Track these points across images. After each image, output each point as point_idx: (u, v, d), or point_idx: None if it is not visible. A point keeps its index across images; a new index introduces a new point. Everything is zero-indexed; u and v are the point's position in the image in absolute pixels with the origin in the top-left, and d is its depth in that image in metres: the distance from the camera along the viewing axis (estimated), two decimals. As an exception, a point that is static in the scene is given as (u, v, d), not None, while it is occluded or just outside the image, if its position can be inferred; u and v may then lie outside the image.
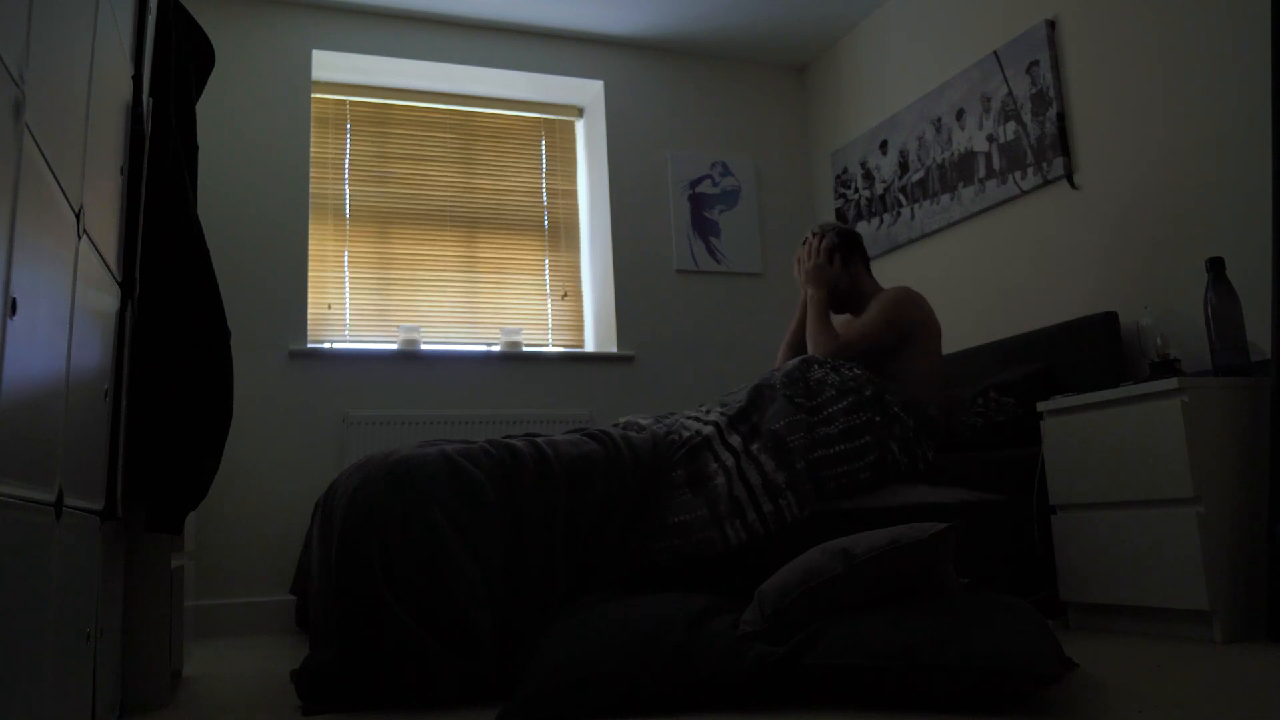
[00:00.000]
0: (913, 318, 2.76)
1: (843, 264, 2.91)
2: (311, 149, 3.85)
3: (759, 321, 4.26)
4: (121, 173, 1.68)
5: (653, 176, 4.25)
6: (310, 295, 3.76)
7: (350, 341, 3.85)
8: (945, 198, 3.63)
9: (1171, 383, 2.19)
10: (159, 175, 1.91)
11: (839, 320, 3.07)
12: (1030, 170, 3.22)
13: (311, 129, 3.86)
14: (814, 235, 2.96)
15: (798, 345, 2.99)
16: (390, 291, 3.96)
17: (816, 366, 2.55)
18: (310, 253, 3.81)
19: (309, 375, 3.58)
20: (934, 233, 3.70)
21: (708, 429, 2.37)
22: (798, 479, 2.26)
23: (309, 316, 3.70)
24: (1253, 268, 2.51)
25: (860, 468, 2.40)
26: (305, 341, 3.61)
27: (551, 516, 2.04)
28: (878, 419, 2.48)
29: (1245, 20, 2.55)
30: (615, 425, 2.51)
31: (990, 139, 3.40)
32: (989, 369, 3.25)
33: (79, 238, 1.28)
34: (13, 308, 0.91)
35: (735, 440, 2.32)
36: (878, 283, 3.01)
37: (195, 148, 2.08)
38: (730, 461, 2.27)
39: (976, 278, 3.50)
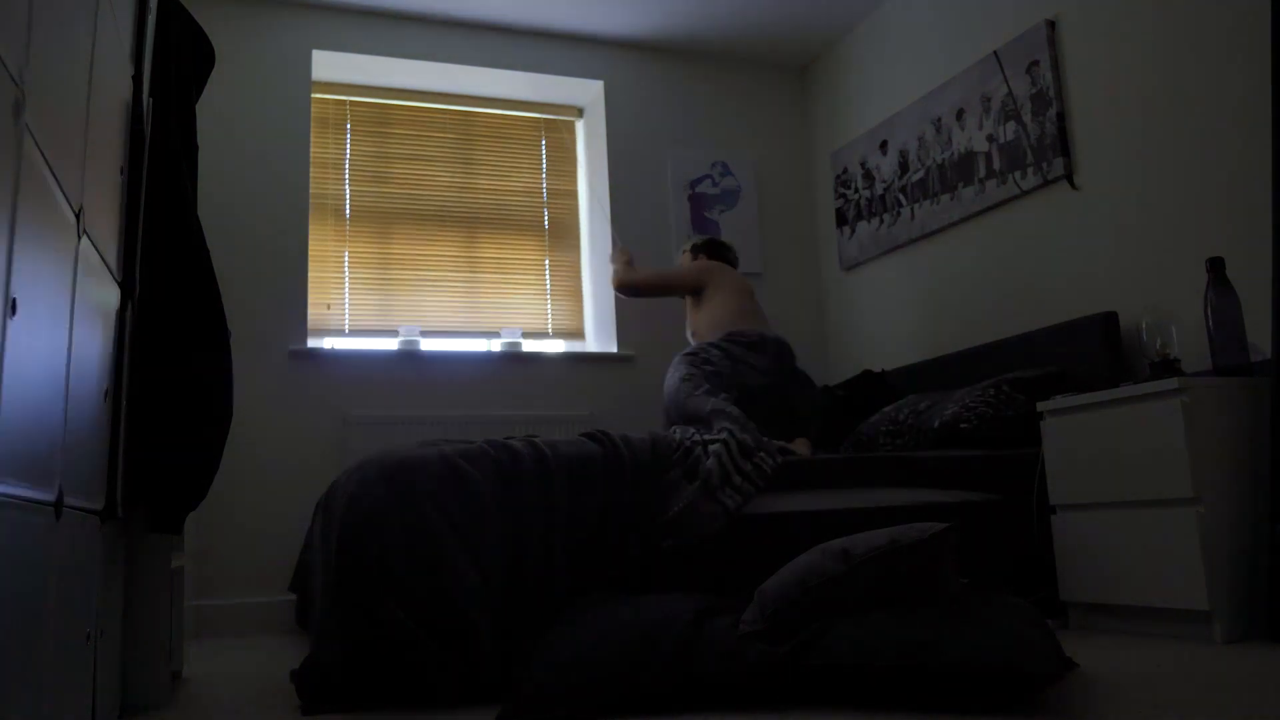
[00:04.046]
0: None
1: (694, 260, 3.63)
2: (311, 149, 3.85)
3: (759, 321, 4.26)
4: (121, 173, 1.68)
5: (653, 176, 4.25)
6: (310, 295, 3.76)
7: (350, 340, 3.85)
8: (945, 198, 3.63)
9: (1171, 383, 2.19)
10: (159, 175, 1.91)
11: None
12: (1030, 170, 3.22)
13: (311, 129, 3.86)
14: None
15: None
16: (390, 291, 3.96)
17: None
18: (310, 253, 3.80)
19: (309, 375, 3.58)
20: (934, 233, 3.70)
21: (693, 434, 2.50)
22: (758, 436, 2.53)
23: (309, 316, 3.70)
24: (1253, 268, 2.51)
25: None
26: (305, 341, 3.61)
27: (551, 517, 2.04)
28: (695, 356, 3.13)
29: (1245, 20, 2.55)
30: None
31: (990, 139, 3.40)
32: (989, 369, 3.25)
33: (79, 238, 1.28)
34: (13, 308, 0.91)
35: (709, 436, 2.48)
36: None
37: (195, 148, 2.08)
38: (715, 447, 2.39)
39: (976, 278, 3.50)
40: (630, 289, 3.57)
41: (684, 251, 3.73)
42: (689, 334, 3.51)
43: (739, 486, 2.28)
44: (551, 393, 3.90)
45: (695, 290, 3.47)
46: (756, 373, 3.06)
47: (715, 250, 3.67)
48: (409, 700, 1.83)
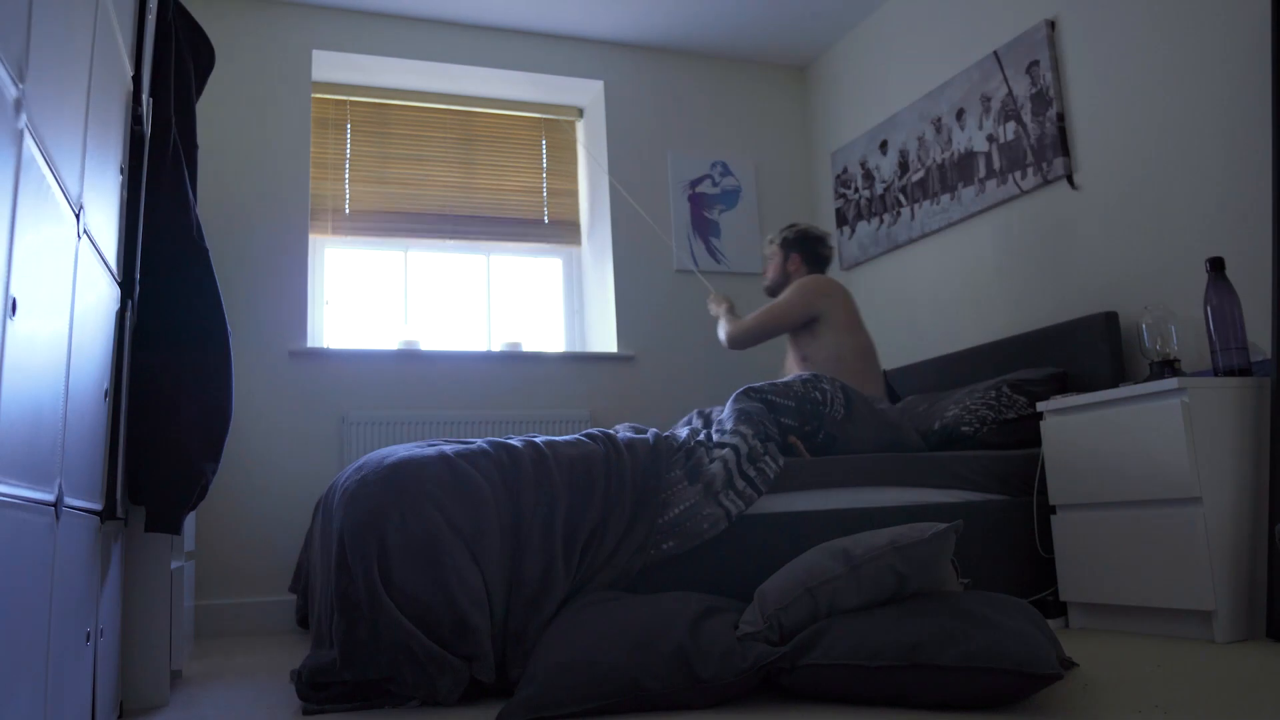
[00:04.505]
0: (816, 301, 3.07)
1: (784, 258, 3.28)
2: (311, 149, 3.85)
3: (759, 321, 4.26)
4: (121, 173, 1.68)
5: (653, 176, 4.25)
6: (310, 295, 3.76)
7: (350, 339, 3.85)
8: (945, 198, 3.63)
9: (1171, 383, 2.19)
10: (159, 175, 1.91)
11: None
12: (1030, 170, 3.22)
13: (311, 129, 3.86)
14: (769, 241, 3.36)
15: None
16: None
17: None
18: (310, 253, 3.81)
19: (309, 375, 3.58)
20: (934, 233, 3.70)
21: (700, 435, 2.45)
22: (765, 437, 2.43)
23: (309, 316, 3.70)
24: (1253, 268, 2.51)
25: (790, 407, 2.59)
26: (305, 341, 3.61)
27: (551, 518, 2.04)
28: (820, 387, 2.68)
29: (1245, 20, 2.55)
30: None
31: (990, 139, 3.40)
32: (989, 369, 3.25)
33: (79, 238, 1.28)
34: (13, 308, 0.91)
35: (716, 436, 2.42)
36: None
37: (195, 148, 2.09)
38: (720, 450, 2.34)
39: (976, 278, 3.50)
40: (740, 342, 3.18)
41: (771, 244, 3.30)
42: (795, 359, 3.13)
43: (741, 491, 2.26)
44: (551, 393, 3.90)
45: (808, 323, 3.08)
46: (868, 449, 2.68)
47: (810, 250, 3.24)
48: (409, 700, 1.82)
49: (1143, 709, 1.47)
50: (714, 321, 4.19)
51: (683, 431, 2.56)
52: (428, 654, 1.80)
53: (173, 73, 2.05)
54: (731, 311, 3.33)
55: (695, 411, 2.97)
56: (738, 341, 3.19)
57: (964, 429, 2.86)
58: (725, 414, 2.53)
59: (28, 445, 0.99)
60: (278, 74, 3.76)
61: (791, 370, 3.17)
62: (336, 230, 3.91)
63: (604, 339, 4.13)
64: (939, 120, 3.67)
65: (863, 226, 4.12)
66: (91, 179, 1.37)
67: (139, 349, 1.81)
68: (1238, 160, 2.57)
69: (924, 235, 3.75)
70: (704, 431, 2.48)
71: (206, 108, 3.62)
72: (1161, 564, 2.21)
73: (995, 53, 3.38)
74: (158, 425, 1.80)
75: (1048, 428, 2.54)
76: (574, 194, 4.35)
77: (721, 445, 2.35)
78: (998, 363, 3.22)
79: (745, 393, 2.58)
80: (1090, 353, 2.87)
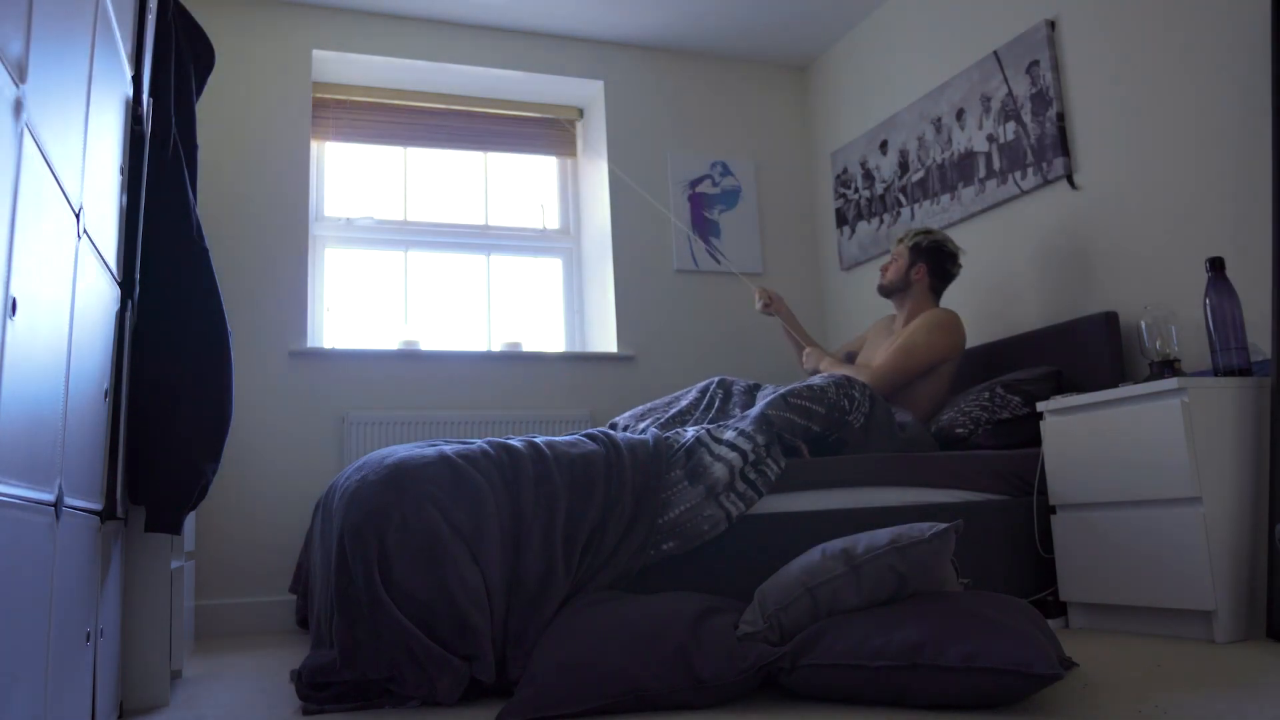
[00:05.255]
0: (944, 345, 3.03)
1: (910, 263, 3.17)
2: (311, 149, 3.85)
3: (759, 321, 4.26)
4: (121, 173, 1.68)
5: (653, 177, 4.25)
6: (310, 295, 3.76)
7: (350, 339, 3.85)
8: (945, 198, 3.63)
9: (1171, 383, 2.19)
10: (159, 175, 1.91)
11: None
12: (1030, 170, 3.22)
13: (311, 129, 3.86)
14: (898, 241, 3.25)
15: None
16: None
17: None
18: (311, 252, 3.80)
19: (309, 375, 3.58)
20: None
21: (701, 432, 2.40)
22: (772, 442, 2.39)
23: (309, 317, 3.70)
24: (1253, 268, 2.51)
25: (813, 414, 2.52)
26: (305, 341, 3.61)
27: (551, 518, 2.04)
28: (851, 394, 2.61)
29: (1245, 20, 2.55)
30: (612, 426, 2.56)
31: (990, 139, 3.40)
32: (988, 369, 3.25)
33: (79, 238, 1.28)
34: (13, 308, 0.91)
35: (729, 435, 2.36)
36: (933, 298, 3.19)
37: (195, 148, 2.09)
38: (726, 452, 2.30)
39: (976, 278, 3.50)
40: (893, 382, 2.99)
41: (900, 244, 3.21)
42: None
43: (742, 493, 2.25)
44: (551, 393, 3.90)
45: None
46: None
47: (940, 265, 3.15)
48: (409, 701, 1.82)
49: (1143, 709, 1.47)
50: (719, 320, 4.20)
51: (686, 399, 2.57)
52: (428, 654, 1.80)
53: (173, 73, 2.05)
54: (837, 361, 3.22)
55: (717, 379, 3.00)
56: (894, 380, 3.01)
57: (958, 431, 2.86)
58: (752, 412, 2.47)
59: (27, 445, 0.99)
60: (278, 74, 3.76)
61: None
62: (338, 131, 3.89)
63: (604, 339, 4.13)
64: (939, 120, 3.67)
65: (863, 226, 4.12)
66: (91, 179, 1.37)
67: (139, 349, 1.81)
68: (1238, 160, 2.57)
69: (924, 235, 3.74)
70: (707, 429, 2.45)
71: (206, 108, 3.62)
72: (1161, 564, 2.21)
73: (995, 53, 3.38)
74: (158, 425, 1.80)
75: (1048, 428, 2.54)
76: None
77: (733, 446, 2.32)
78: (998, 363, 3.22)
79: (783, 399, 2.49)
80: (1090, 353, 2.87)
